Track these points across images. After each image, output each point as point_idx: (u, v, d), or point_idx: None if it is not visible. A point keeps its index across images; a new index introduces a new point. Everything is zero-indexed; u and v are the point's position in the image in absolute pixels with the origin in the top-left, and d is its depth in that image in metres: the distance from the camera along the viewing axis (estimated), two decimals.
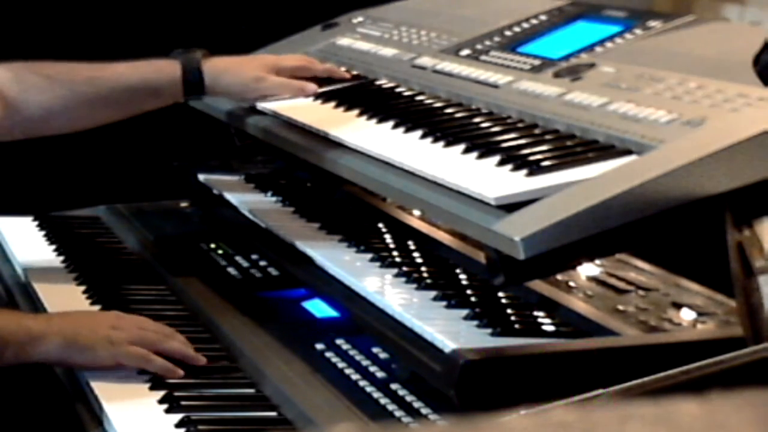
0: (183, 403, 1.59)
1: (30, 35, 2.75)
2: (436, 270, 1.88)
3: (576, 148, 1.55)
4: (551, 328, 1.65)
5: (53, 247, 2.26)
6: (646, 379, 1.09)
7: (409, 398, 1.55)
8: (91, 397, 1.65)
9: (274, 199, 2.35)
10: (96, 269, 2.11)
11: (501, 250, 1.38)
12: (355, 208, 2.29)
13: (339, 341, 1.74)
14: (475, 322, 1.61)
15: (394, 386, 1.59)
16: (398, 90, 2.03)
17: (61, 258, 2.19)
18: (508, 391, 1.42)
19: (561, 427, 0.58)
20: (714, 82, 1.58)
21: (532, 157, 1.52)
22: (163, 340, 1.72)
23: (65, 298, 1.98)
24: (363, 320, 1.73)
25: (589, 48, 1.88)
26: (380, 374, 1.63)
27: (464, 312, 1.64)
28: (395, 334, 1.61)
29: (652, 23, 1.90)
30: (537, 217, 1.36)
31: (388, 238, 2.08)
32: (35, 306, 1.99)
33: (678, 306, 1.71)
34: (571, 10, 2.10)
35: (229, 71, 2.06)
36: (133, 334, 1.71)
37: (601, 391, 1.10)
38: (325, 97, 2.06)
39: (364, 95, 2.03)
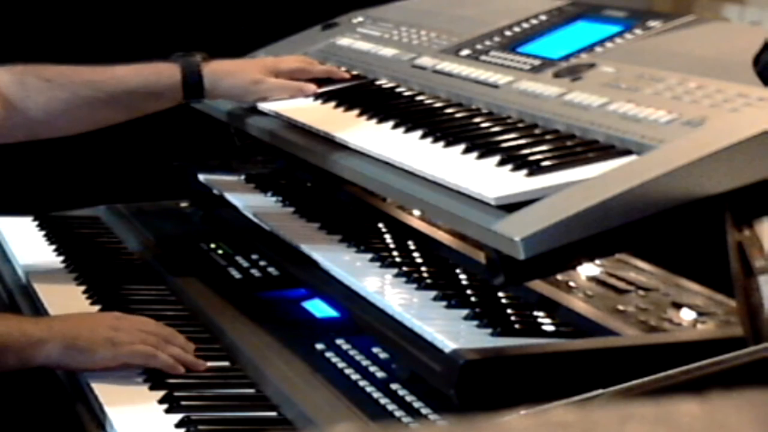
0: (183, 403, 1.59)
1: (31, 38, 2.75)
2: (436, 270, 1.88)
3: (576, 148, 1.55)
4: (551, 328, 1.65)
5: (53, 247, 2.26)
6: (646, 379, 1.09)
7: (409, 398, 1.55)
8: (92, 398, 1.65)
9: (274, 199, 2.35)
10: (96, 269, 2.11)
11: (501, 250, 1.38)
12: (355, 208, 2.30)
13: (339, 341, 1.74)
14: (475, 322, 1.61)
15: (394, 386, 1.59)
16: (398, 90, 2.03)
17: (61, 258, 2.19)
18: (508, 391, 1.42)
19: (561, 427, 0.58)
20: (714, 82, 1.57)
21: (532, 157, 1.52)
22: (165, 341, 1.72)
23: (65, 298, 1.98)
24: (363, 320, 1.73)
25: (589, 48, 1.88)
26: (380, 374, 1.63)
27: (464, 312, 1.64)
28: (395, 334, 1.61)
29: (652, 23, 1.90)
30: (537, 217, 1.36)
31: (388, 238, 2.08)
32: (35, 306, 1.99)
33: (678, 306, 1.71)
34: (571, 10, 2.10)
35: (228, 74, 2.07)
36: (134, 336, 1.71)
37: (601, 391, 1.10)
38: (324, 98, 2.06)
39: (364, 95, 2.03)
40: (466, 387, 1.42)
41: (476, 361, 1.43)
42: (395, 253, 1.98)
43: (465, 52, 2.06)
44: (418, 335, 1.56)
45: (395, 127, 1.80)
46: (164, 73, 2.04)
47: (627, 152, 1.49)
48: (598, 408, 0.59)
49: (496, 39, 2.07)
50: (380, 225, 2.16)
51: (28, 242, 2.29)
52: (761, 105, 1.47)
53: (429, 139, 1.70)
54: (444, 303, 1.69)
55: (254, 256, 2.12)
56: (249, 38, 2.51)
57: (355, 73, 2.18)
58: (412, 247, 2.04)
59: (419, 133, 1.74)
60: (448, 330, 1.55)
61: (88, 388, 1.66)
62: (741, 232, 1.38)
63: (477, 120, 1.76)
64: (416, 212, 2.16)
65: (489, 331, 1.58)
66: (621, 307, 1.70)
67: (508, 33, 2.09)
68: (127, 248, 2.28)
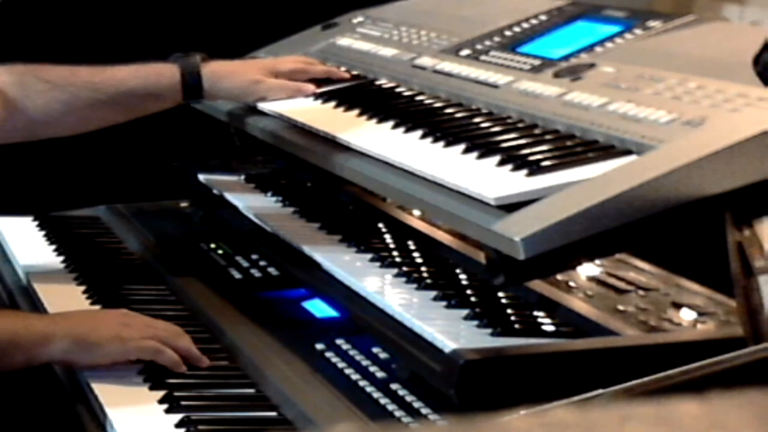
0: (183, 403, 1.59)
1: (31, 38, 2.75)
2: (436, 270, 1.88)
3: (576, 148, 1.55)
4: (551, 328, 1.65)
5: (53, 247, 2.26)
6: (646, 379, 1.09)
7: (409, 398, 1.55)
8: (92, 398, 1.65)
9: (274, 199, 2.35)
10: (96, 269, 2.11)
11: (501, 250, 1.38)
12: (355, 208, 2.30)
13: (339, 341, 1.74)
14: (475, 322, 1.61)
15: (394, 386, 1.59)
16: (398, 90, 2.03)
17: (61, 258, 2.19)
18: (508, 391, 1.42)
19: (561, 427, 0.58)
20: (714, 82, 1.57)
21: (532, 157, 1.52)
22: (172, 338, 1.73)
23: (65, 298, 1.98)
24: (363, 320, 1.73)
25: (589, 48, 1.88)
26: (380, 374, 1.63)
27: (464, 312, 1.64)
28: (395, 334, 1.61)
29: (652, 23, 1.90)
30: (537, 217, 1.36)
31: (388, 238, 2.08)
32: (35, 306, 1.99)
33: (678, 306, 1.71)
34: (571, 10, 2.10)
35: (227, 75, 2.07)
36: (141, 332, 1.72)
37: (601, 391, 1.09)
38: (324, 98, 2.06)
39: (364, 95, 2.03)
40: (466, 387, 1.42)
41: (476, 361, 1.43)
42: (395, 253, 1.98)
43: (465, 52, 2.06)
44: (418, 335, 1.56)
45: (395, 127, 1.80)
46: (163, 74, 2.05)
47: (627, 152, 1.49)
48: (598, 408, 0.59)
49: (496, 39, 2.07)
50: (380, 225, 2.16)
51: (28, 242, 2.29)
52: (761, 105, 1.47)
53: (429, 139, 1.70)
54: (444, 303, 1.69)
55: (254, 256, 2.12)
56: (249, 38, 2.51)
57: (355, 73, 2.18)
58: (412, 247, 2.04)
59: (419, 133, 1.74)
60: (448, 330, 1.55)
61: (88, 388, 1.66)
62: (741, 232, 1.38)
63: (477, 120, 1.76)
64: (416, 212, 2.16)
65: (489, 331, 1.58)
66: (621, 307, 1.70)
67: (508, 33, 2.09)
68: (127, 248, 2.28)
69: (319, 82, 2.12)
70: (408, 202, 1.90)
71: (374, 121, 1.86)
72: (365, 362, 1.67)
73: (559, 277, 1.82)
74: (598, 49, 1.87)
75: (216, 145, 2.52)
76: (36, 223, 2.40)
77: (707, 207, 1.38)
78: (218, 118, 2.25)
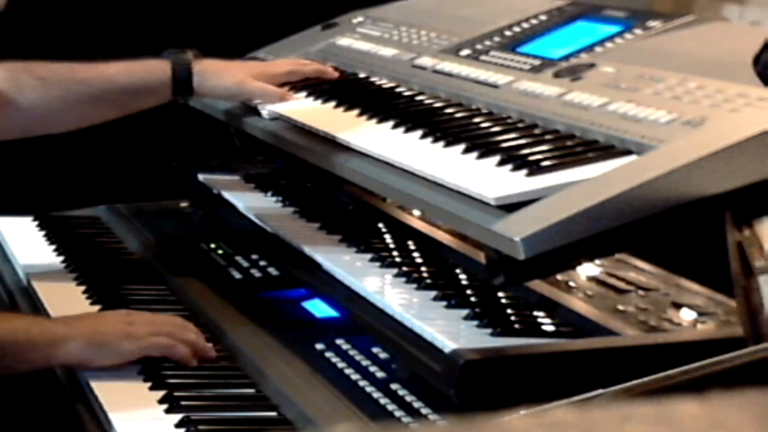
0: (183, 403, 1.59)
1: (30, 36, 2.75)
2: (436, 270, 1.88)
3: (576, 148, 1.55)
4: (551, 328, 1.65)
5: (53, 247, 2.26)
6: (646, 379, 1.09)
7: (409, 398, 1.55)
8: (92, 398, 1.64)
9: (274, 199, 2.35)
10: (96, 269, 2.11)
11: (501, 250, 1.38)
12: (355, 208, 2.30)
13: (339, 341, 1.74)
14: (475, 322, 1.61)
15: (394, 386, 1.59)
16: (398, 90, 2.03)
17: (61, 258, 2.19)
18: (508, 391, 1.42)
19: (561, 427, 0.58)
20: (714, 82, 1.57)
21: (532, 157, 1.52)
22: (180, 332, 1.74)
23: (65, 298, 1.98)
24: (363, 320, 1.73)
25: (589, 48, 1.88)
26: (380, 374, 1.63)
27: (464, 312, 1.64)
28: (395, 334, 1.61)
29: (652, 23, 1.90)
30: (537, 217, 1.36)
31: (388, 238, 2.08)
32: (35, 306, 1.99)
33: (678, 306, 1.71)
34: (571, 10, 2.10)
35: (215, 74, 2.08)
36: (149, 329, 1.72)
37: (601, 391, 1.09)
38: (325, 98, 2.06)
39: (364, 95, 2.03)
40: (466, 387, 1.42)
41: (476, 361, 1.43)
42: (395, 253, 1.98)
43: (465, 52, 2.06)
44: (418, 335, 1.56)
45: (395, 127, 1.80)
46: (154, 70, 2.06)
47: (627, 152, 1.49)
48: (598, 408, 0.59)
49: (496, 39, 2.07)
50: (380, 225, 2.16)
51: (28, 242, 2.29)
52: (761, 105, 1.47)
53: (429, 139, 1.70)
54: (444, 303, 1.69)
55: (254, 256, 2.12)
56: (249, 38, 2.51)
57: (352, 73, 2.18)
58: (412, 247, 2.04)
59: (419, 133, 1.74)
60: (448, 330, 1.55)
61: (88, 388, 1.66)
62: (741, 232, 1.38)
63: (477, 120, 1.76)
64: (416, 212, 2.16)
65: (489, 331, 1.58)
66: (621, 307, 1.70)
67: (508, 33, 2.09)
68: (127, 248, 2.28)
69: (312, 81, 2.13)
70: (408, 202, 1.90)
71: (374, 121, 1.86)
72: (365, 362, 1.67)
73: (559, 277, 1.81)
74: (598, 49, 1.87)
75: (216, 145, 2.52)
76: (36, 223, 2.40)
77: (707, 207, 1.38)
78: (218, 118, 2.25)
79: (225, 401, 1.63)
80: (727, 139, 1.40)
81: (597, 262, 1.87)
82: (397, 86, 2.05)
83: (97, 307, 1.93)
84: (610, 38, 1.89)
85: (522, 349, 1.51)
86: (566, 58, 1.87)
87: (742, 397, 0.61)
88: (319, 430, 1.49)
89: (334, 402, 1.56)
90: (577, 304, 1.73)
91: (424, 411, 1.52)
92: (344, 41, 2.38)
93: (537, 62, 1.89)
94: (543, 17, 2.11)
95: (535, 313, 1.70)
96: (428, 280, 1.80)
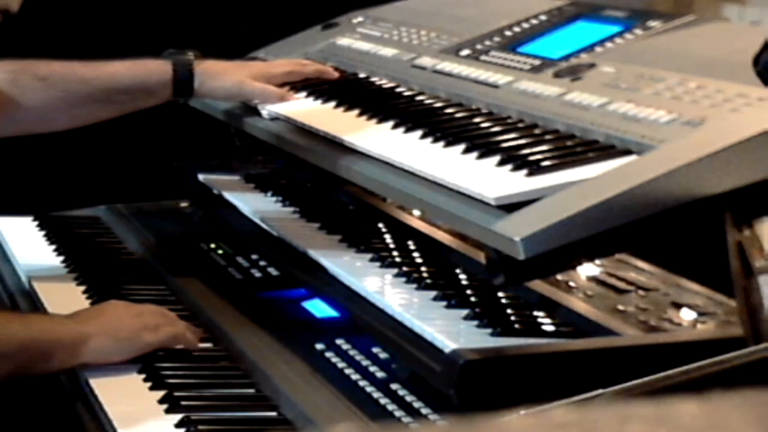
0: (183, 403, 1.59)
1: (31, 35, 2.75)
2: (436, 270, 1.88)
3: (576, 148, 1.55)
4: (551, 328, 1.65)
5: (53, 247, 2.26)
6: (646, 379, 1.09)
7: (409, 398, 1.55)
8: (91, 397, 1.64)
9: (274, 199, 2.35)
10: (96, 269, 2.11)
11: (501, 250, 1.38)
12: (355, 208, 2.30)
13: (339, 341, 1.74)
14: (475, 322, 1.61)
15: (394, 386, 1.59)
16: (398, 90, 2.03)
17: (61, 258, 2.19)
18: (508, 391, 1.42)
19: (561, 427, 0.58)
20: (714, 82, 1.57)
21: (532, 157, 1.52)
22: (173, 319, 1.79)
23: (65, 298, 1.98)
24: (363, 320, 1.73)
25: (589, 48, 1.88)
26: (380, 374, 1.63)
27: (464, 312, 1.64)
28: (395, 334, 1.61)
29: (652, 23, 1.90)
30: (537, 217, 1.36)
31: (388, 238, 2.08)
32: (35, 306, 1.99)
33: (678, 306, 1.71)
34: (571, 10, 2.10)
35: (215, 75, 2.09)
36: (158, 318, 1.76)
37: (601, 391, 1.10)
38: (325, 98, 2.06)
39: (364, 95, 2.03)
40: (466, 387, 1.42)
41: (476, 361, 1.43)
42: (395, 253, 1.98)
43: (465, 52, 2.06)
44: (418, 335, 1.56)
45: (395, 127, 1.80)
46: (155, 70, 2.07)
47: (627, 152, 1.49)
48: (598, 408, 0.59)
49: (496, 39, 2.07)
50: (380, 225, 2.16)
51: (28, 242, 2.29)
52: (761, 105, 1.47)
53: (429, 139, 1.70)
54: (444, 303, 1.69)
55: (254, 256, 2.12)
56: (249, 38, 2.51)
57: (356, 74, 2.18)
58: (412, 247, 2.04)
59: (419, 133, 1.74)
60: (448, 330, 1.55)
61: (88, 388, 1.66)
62: (741, 232, 1.38)
63: (477, 120, 1.76)
64: (416, 212, 2.16)
65: (489, 331, 1.58)
66: (621, 307, 1.70)
67: (508, 33, 2.09)
68: (127, 248, 2.28)
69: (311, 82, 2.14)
70: (408, 202, 1.90)
71: (374, 121, 1.86)
72: (365, 362, 1.67)
73: (559, 277, 1.82)
74: (598, 49, 1.87)
75: (216, 145, 2.52)
76: (36, 223, 2.40)
77: (707, 207, 1.38)
78: (218, 118, 2.25)
79: (225, 401, 1.63)
80: (727, 139, 1.40)
81: (597, 262, 1.87)
82: (397, 86, 2.05)
83: None
84: (610, 38, 1.89)
85: (522, 349, 1.51)
86: (566, 58, 1.87)
87: (742, 397, 0.61)
88: (319, 430, 1.49)
89: (334, 402, 1.56)
90: (577, 304, 1.73)
91: (424, 411, 1.52)
92: (344, 41, 2.38)
93: (537, 62, 1.89)
94: (543, 17, 2.11)
95: (535, 313, 1.70)
96: (428, 280, 1.80)
